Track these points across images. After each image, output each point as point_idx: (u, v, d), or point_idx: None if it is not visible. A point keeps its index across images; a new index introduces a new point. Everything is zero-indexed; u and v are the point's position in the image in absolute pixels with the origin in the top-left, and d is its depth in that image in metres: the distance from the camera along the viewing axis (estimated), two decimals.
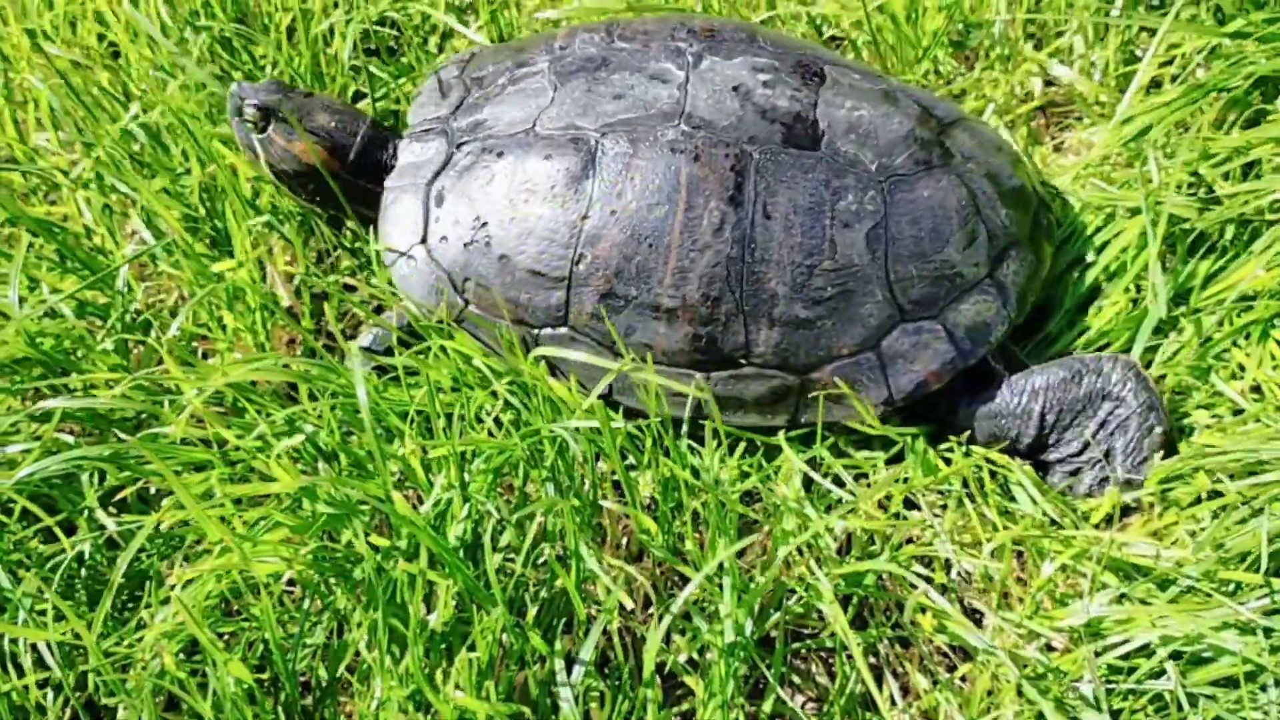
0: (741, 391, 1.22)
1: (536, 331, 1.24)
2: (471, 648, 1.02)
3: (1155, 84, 1.49)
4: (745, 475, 1.22)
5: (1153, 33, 1.48)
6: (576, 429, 1.10)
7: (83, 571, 1.17)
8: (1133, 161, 1.40)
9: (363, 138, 1.34)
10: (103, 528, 1.16)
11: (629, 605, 1.09)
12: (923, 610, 1.08)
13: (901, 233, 1.22)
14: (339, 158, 1.33)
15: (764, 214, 1.19)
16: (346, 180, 1.33)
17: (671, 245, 1.19)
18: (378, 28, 1.69)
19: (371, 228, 1.33)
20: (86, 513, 1.18)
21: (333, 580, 1.10)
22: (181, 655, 1.09)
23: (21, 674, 1.08)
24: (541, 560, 1.11)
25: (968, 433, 1.24)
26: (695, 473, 1.18)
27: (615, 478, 1.18)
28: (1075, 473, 1.23)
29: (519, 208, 1.22)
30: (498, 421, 1.21)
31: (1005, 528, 1.14)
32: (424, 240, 1.27)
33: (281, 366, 1.19)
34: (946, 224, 1.24)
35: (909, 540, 1.16)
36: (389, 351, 1.27)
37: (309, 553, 1.07)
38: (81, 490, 1.18)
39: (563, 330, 1.23)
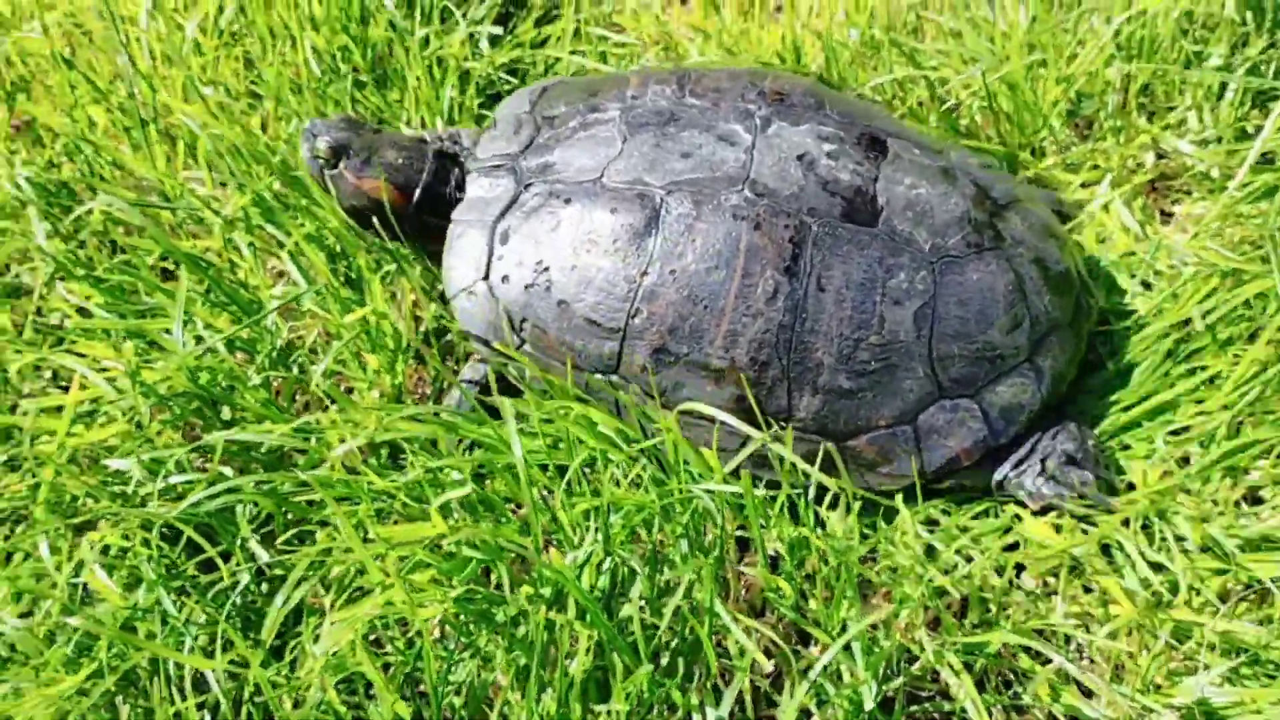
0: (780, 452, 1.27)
1: (586, 375, 1.29)
2: (606, 696, 1.08)
3: (1267, 159, 1.50)
4: (865, 535, 1.25)
5: (1266, 108, 1.50)
6: (712, 491, 1.15)
7: (235, 600, 1.22)
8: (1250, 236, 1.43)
9: (428, 173, 1.39)
10: (255, 559, 1.22)
11: (766, 668, 1.13)
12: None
13: (948, 313, 1.26)
14: (405, 194, 1.37)
15: (818, 286, 1.23)
16: (411, 215, 1.38)
17: (726, 309, 1.23)
18: (504, 75, 1.76)
19: (431, 257, 1.38)
20: (241, 544, 1.23)
21: (475, 622, 1.14)
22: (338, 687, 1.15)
23: (182, 696, 1.14)
24: (672, 612, 1.14)
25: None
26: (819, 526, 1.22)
27: (737, 534, 1.23)
28: (1022, 473, 1.28)
29: (581, 257, 1.27)
30: (636, 481, 1.25)
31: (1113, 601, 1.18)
32: (486, 277, 1.31)
33: (433, 416, 1.25)
34: (993, 307, 1.28)
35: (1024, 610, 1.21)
36: (486, 389, 1.34)
37: (457, 595, 1.12)
38: (236, 522, 1.24)
39: (614, 378, 1.28)
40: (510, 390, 1.35)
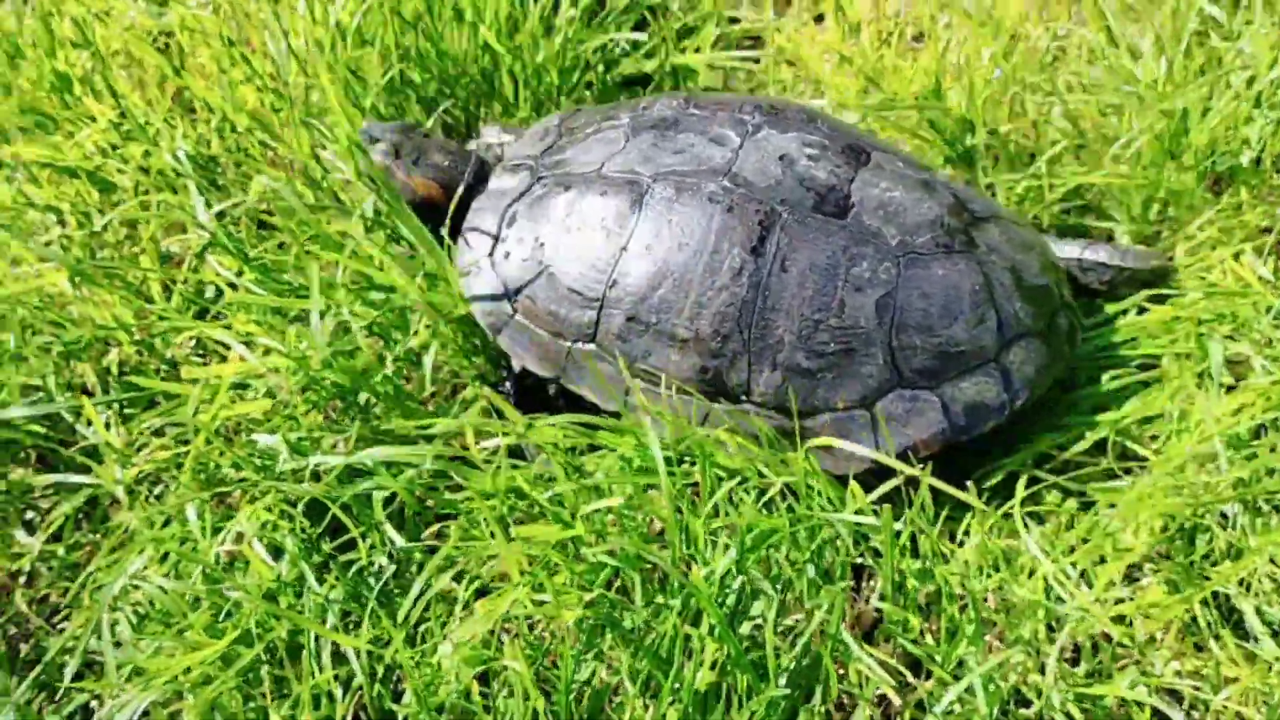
0: (747, 426, 1.33)
1: (569, 345, 1.38)
2: (726, 710, 1.12)
3: None
4: (986, 571, 1.26)
5: None
6: (844, 521, 1.19)
7: (370, 581, 1.29)
8: None
9: (469, 175, 1.54)
10: (391, 543, 1.30)
11: (897, 701, 1.15)
12: None
13: (911, 304, 1.31)
14: (447, 192, 1.53)
15: (781, 267, 1.31)
16: (454, 211, 1.53)
17: (693, 282, 1.32)
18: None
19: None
20: (377, 527, 1.31)
21: (604, 626, 1.19)
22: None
23: (319, 669, 1.21)
24: (792, 634, 1.18)
25: None
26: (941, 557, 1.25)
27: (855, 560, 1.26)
28: None
29: (572, 234, 1.38)
30: (769, 506, 1.28)
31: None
32: (491, 254, 1.44)
33: (579, 425, 1.33)
34: (957, 303, 1.32)
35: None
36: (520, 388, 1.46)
37: (592, 599, 1.17)
38: (371, 505, 1.31)
39: (590, 346, 1.37)
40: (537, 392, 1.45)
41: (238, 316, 1.45)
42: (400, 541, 1.29)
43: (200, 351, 1.58)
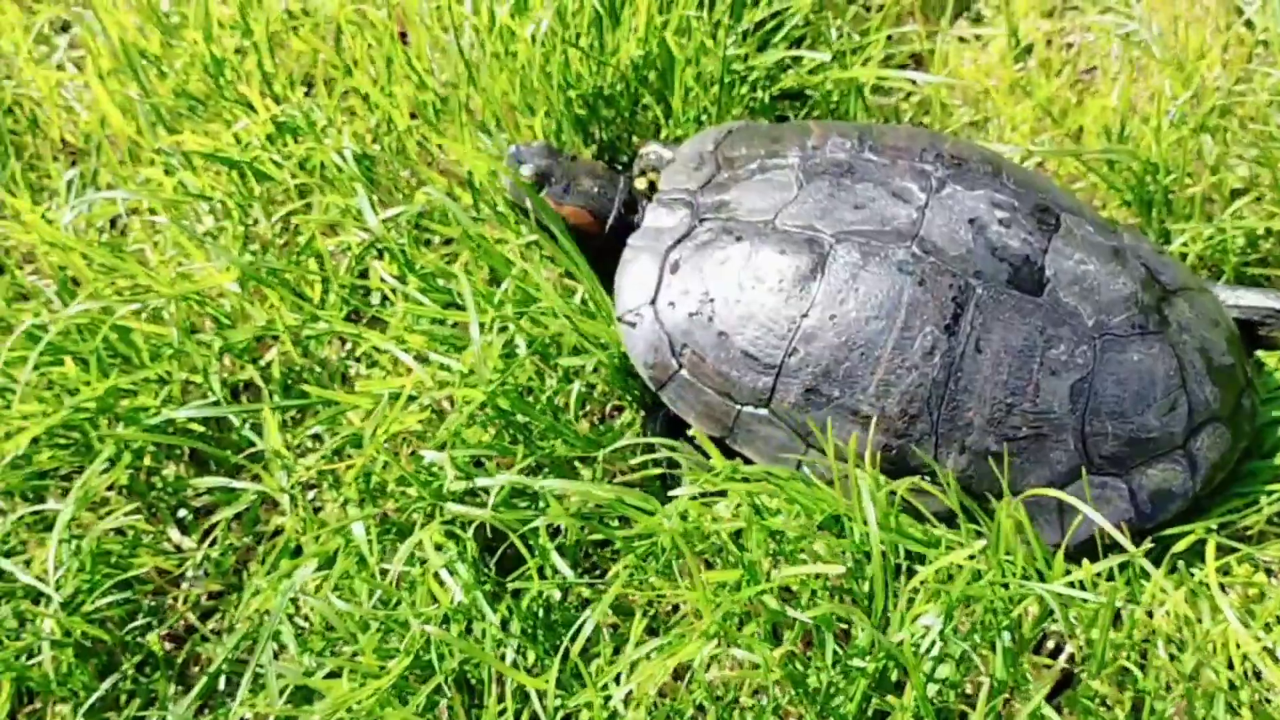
0: (925, 504, 1.29)
1: (739, 408, 1.33)
2: None
3: None
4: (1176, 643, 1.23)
5: None
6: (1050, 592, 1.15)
7: (540, 612, 1.27)
8: None
9: (619, 203, 1.46)
10: (558, 572, 1.27)
11: None
12: None
13: (1105, 390, 1.26)
14: (599, 221, 1.45)
15: (975, 347, 1.25)
16: (601, 241, 1.45)
17: (881, 359, 1.26)
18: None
19: (607, 279, 1.45)
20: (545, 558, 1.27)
21: (788, 682, 1.15)
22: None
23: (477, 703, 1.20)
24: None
25: None
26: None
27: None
28: None
29: (746, 292, 1.31)
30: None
31: None
32: (653, 302, 1.37)
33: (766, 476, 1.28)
34: (1151, 390, 1.27)
35: None
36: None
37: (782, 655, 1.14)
38: (537, 534, 1.27)
39: (763, 411, 1.32)
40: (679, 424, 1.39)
41: (399, 323, 1.41)
42: (569, 574, 1.26)
43: (354, 357, 1.54)
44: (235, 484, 1.38)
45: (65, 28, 1.95)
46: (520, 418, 1.36)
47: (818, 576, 1.21)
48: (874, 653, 1.13)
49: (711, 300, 1.34)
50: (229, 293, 1.49)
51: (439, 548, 1.25)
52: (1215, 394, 1.31)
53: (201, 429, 1.44)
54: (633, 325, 1.38)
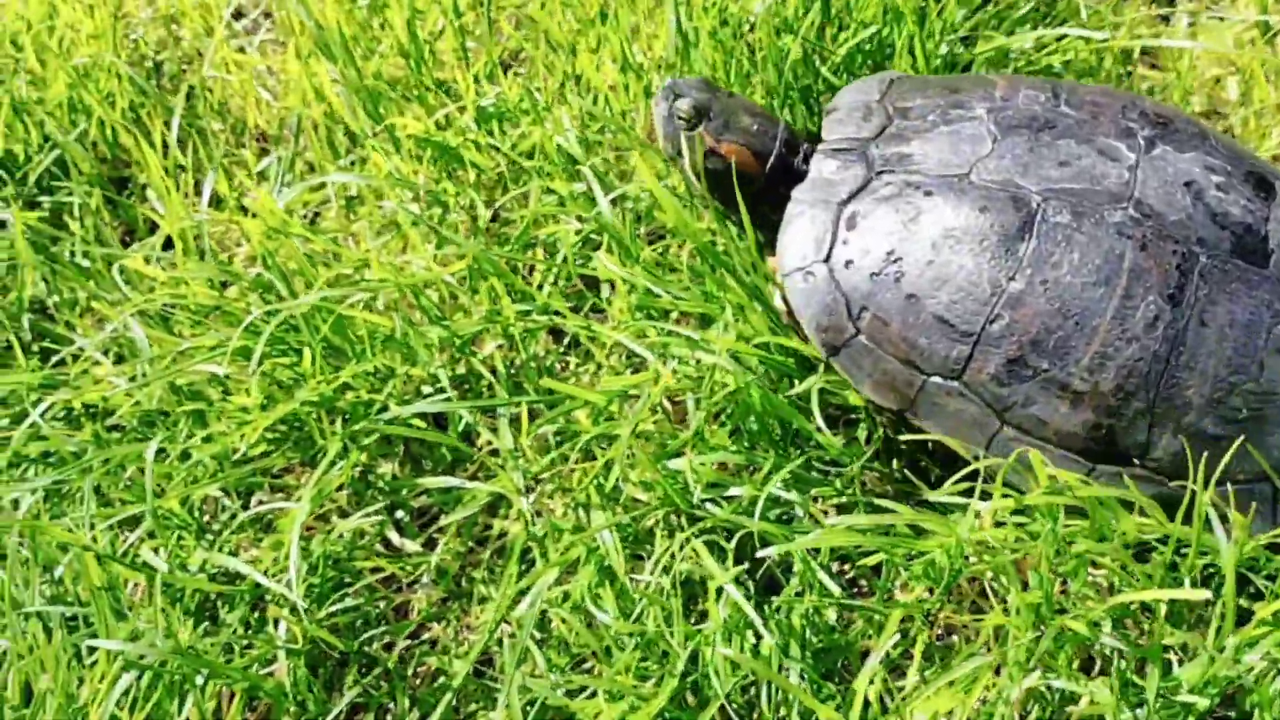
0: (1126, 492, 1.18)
1: (924, 378, 1.21)
2: None
3: None
4: None
5: None
6: None
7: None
8: None
9: (780, 143, 1.34)
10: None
11: None
12: None
13: None
14: (760, 161, 1.33)
15: (1200, 321, 1.15)
16: (760, 183, 1.33)
17: (1100, 329, 1.15)
18: None
19: (767, 227, 1.33)
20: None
21: None
22: None
23: None
24: None
25: None
26: None
27: None
28: None
29: (941, 253, 1.20)
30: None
31: None
32: (827, 259, 1.25)
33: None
34: None
35: None
36: None
37: None
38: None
39: (954, 383, 1.20)
40: None
41: (624, 315, 1.32)
42: (837, 590, 1.15)
43: (565, 349, 1.44)
44: (469, 484, 1.30)
45: (238, 15, 1.89)
46: (768, 419, 1.24)
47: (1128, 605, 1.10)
48: (1206, 689, 1.01)
49: (899, 260, 1.22)
50: (442, 283, 1.41)
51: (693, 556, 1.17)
52: None
53: (422, 426, 1.34)
54: (804, 283, 1.25)
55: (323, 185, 1.55)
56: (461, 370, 1.40)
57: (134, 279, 1.49)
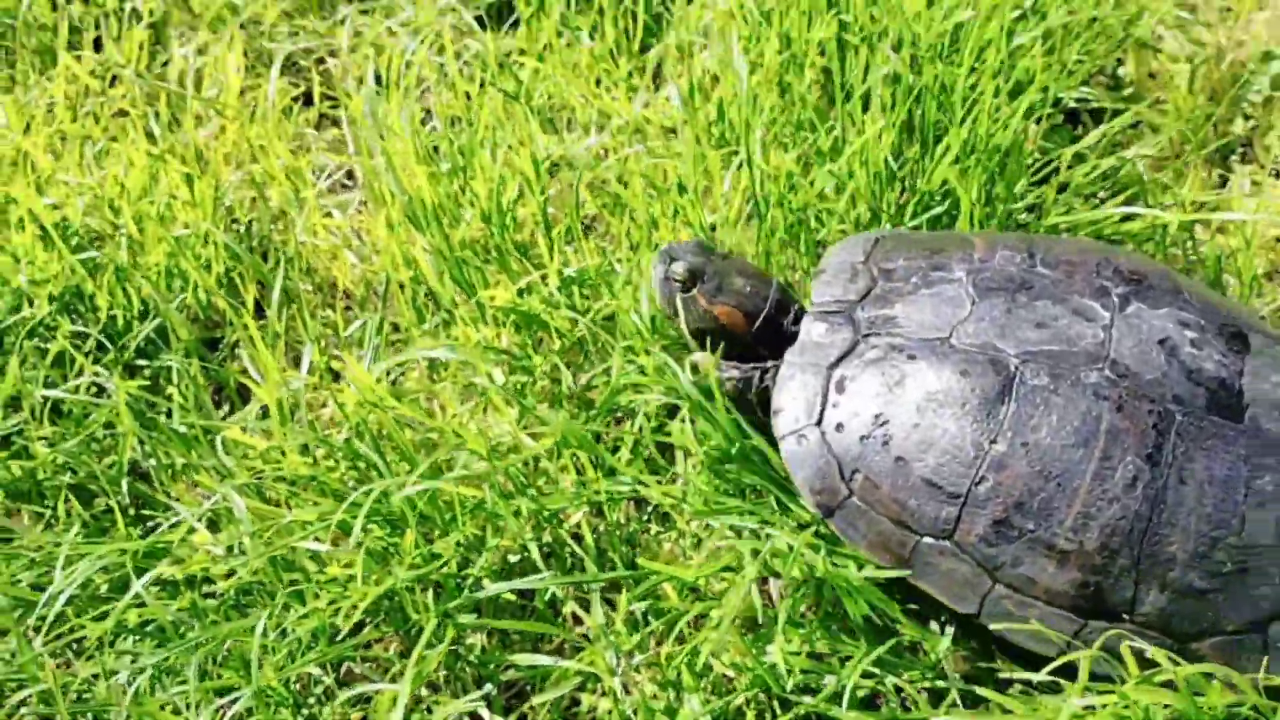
0: (1115, 647, 1.21)
1: (917, 538, 1.25)
2: None
3: None
4: None
5: None
6: None
7: None
8: None
9: (771, 305, 1.40)
10: None
11: None
12: None
13: None
14: (749, 321, 1.40)
15: (1179, 478, 1.19)
16: (747, 343, 1.39)
17: (1080, 490, 1.19)
18: None
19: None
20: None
21: None
22: None
23: None
24: None
25: None
26: None
27: None
28: None
29: (925, 415, 1.25)
30: None
31: None
32: (819, 423, 1.30)
33: None
34: None
35: None
36: None
37: None
38: None
39: (946, 543, 1.24)
40: None
41: (704, 488, 1.37)
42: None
43: (647, 517, 1.47)
44: (561, 662, 1.29)
45: (319, 171, 1.97)
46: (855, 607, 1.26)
47: None
48: None
49: (886, 423, 1.27)
50: (527, 450, 1.44)
51: None
52: None
53: (514, 600, 1.38)
54: (798, 446, 1.30)
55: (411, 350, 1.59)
56: (548, 539, 1.41)
57: (230, 445, 1.51)
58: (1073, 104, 1.90)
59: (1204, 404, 1.22)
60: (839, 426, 1.29)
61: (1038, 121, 1.73)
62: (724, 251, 1.48)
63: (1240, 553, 1.19)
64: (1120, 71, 2.03)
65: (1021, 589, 1.22)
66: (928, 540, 1.25)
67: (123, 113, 2.02)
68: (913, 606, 1.29)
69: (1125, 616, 1.21)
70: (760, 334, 1.41)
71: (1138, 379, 1.22)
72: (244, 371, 1.64)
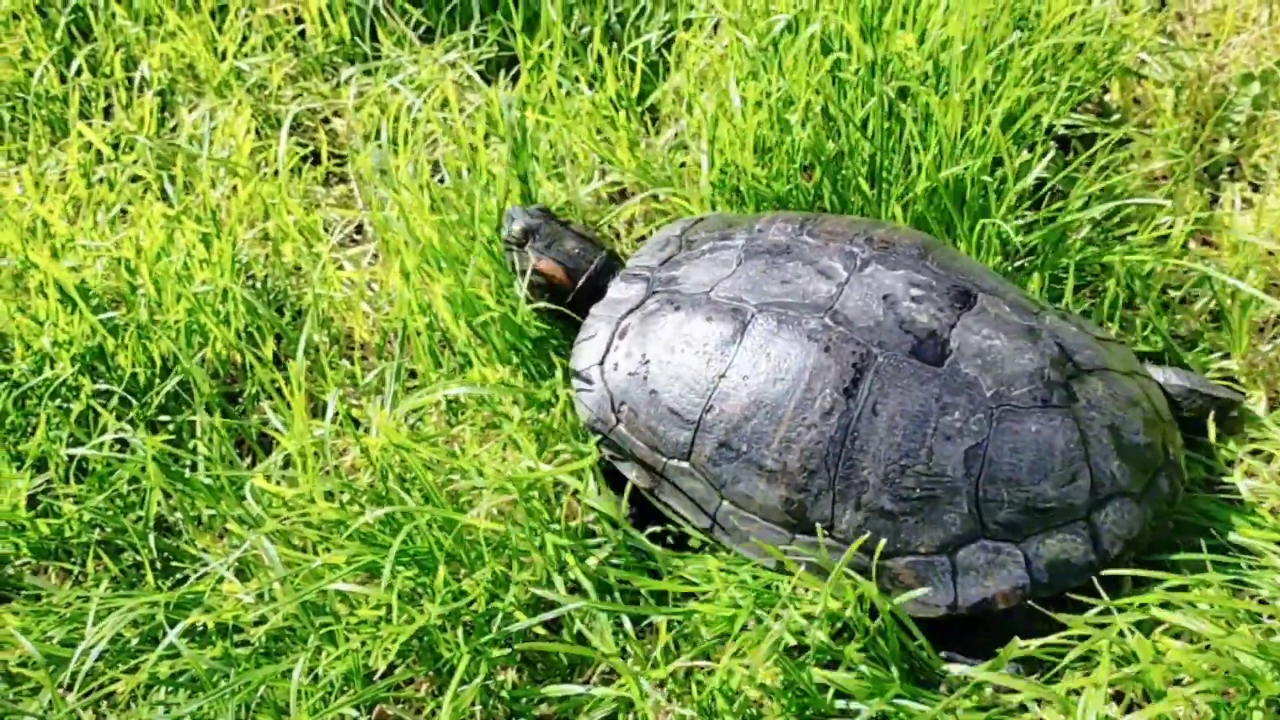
0: (824, 561, 1.36)
1: (665, 460, 1.45)
2: None
3: None
4: None
5: None
6: None
7: None
8: None
9: (596, 267, 1.64)
10: None
11: None
12: None
13: (1000, 457, 1.32)
14: (572, 279, 1.64)
15: (872, 410, 1.34)
16: (573, 299, 1.64)
17: (784, 417, 1.36)
18: None
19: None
20: None
21: None
22: None
23: None
24: None
25: None
26: None
27: None
28: None
29: (675, 354, 1.45)
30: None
31: None
32: (601, 363, 1.52)
33: None
34: (1048, 460, 1.32)
35: None
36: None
37: None
38: None
39: (684, 464, 1.43)
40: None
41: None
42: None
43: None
44: (596, 690, 1.33)
45: (326, 227, 2.04)
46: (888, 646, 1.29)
47: None
48: None
49: (647, 362, 1.47)
50: (549, 483, 1.50)
51: None
52: (1124, 470, 1.34)
53: (545, 635, 1.41)
54: (582, 382, 1.53)
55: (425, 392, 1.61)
56: (573, 574, 1.42)
57: (257, 495, 1.51)
58: (1062, 130, 1.98)
59: (908, 349, 1.36)
60: (615, 366, 1.50)
61: (1031, 148, 1.81)
62: (566, 219, 1.72)
63: (929, 480, 1.32)
64: (1106, 98, 2.14)
65: (742, 505, 1.40)
66: (673, 462, 1.44)
67: (136, 177, 2.10)
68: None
69: (827, 532, 1.36)
70: (583, 293, 1.64)
71: (851, 325, 1.38)
72: (266, 423, 1.68)
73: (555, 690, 1.35)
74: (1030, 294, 1.54)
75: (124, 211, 2.05)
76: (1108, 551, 1.32)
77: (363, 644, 1.34)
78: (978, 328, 1.39)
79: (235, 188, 2.01)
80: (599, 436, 1.50)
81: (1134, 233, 1.81)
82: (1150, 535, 1.35)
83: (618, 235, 1.94)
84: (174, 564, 1.56)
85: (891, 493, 1.33)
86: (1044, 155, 1.78)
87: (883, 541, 1.32)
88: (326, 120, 2.27)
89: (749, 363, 1.40)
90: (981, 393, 1.34)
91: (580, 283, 1.64)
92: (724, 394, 1.40)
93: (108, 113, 2.29)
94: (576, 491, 1.44)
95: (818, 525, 1.36)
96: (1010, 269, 1.74)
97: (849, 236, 1.50)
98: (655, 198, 1.91)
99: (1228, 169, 2.00)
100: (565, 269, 1.64)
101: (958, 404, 1.33)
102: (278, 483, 1.52)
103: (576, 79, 2.11)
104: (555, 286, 1.64)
